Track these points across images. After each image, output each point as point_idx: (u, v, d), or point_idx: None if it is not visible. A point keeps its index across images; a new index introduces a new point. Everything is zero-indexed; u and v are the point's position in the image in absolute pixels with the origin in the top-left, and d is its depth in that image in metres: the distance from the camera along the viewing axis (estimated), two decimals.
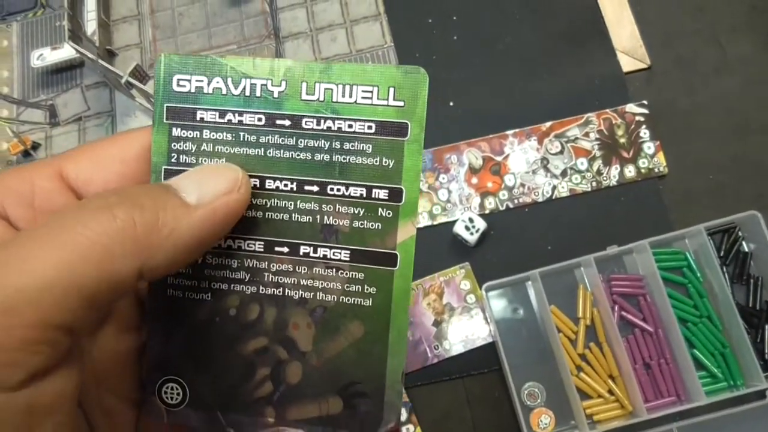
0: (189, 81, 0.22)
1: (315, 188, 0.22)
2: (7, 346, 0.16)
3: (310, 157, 0.21)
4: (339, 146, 0.21)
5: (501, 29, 0.77)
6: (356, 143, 0.21)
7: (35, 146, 0.78)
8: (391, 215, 0.21)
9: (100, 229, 0.17)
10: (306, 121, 0.21)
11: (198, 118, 0.22)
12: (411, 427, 0.65)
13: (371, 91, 0.21)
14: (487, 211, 0.70)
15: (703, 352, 0.63)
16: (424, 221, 0.71)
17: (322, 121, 0.21)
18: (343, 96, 0.21)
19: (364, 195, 0.21)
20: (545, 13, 0.77)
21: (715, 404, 0.60)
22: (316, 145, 0.21)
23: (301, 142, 0.21)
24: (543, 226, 0.70)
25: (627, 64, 0.74)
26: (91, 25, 0.78)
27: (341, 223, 0.22)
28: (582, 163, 0.71)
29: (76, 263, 0.16)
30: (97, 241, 0.17)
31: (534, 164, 0.72)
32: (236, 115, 0.22)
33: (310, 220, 0.22)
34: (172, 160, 0.22)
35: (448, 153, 0.72)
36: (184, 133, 0.22)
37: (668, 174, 0.70)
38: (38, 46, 0.82)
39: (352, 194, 0.21)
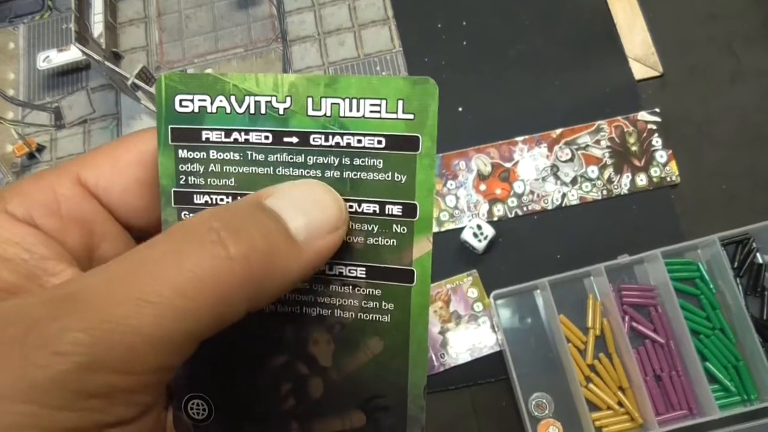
0: (192, 101, 0.21)
1: None
2: (132, 388, 0.16)
3: (320, 174, 0.21)
4: (349, 162, 0.21)
5: (511, 35, 0.76)
6: (366, 159, 0.21)
7: (40, 148, 0.77)
8: (405, 231, 0.21)
9: (218, 272, 0.16)
10: (314, 138, 0.21)
11: (203, 139, 0.21)
12: None
13: (379, 105, 0.20)
14: (495, 218, 0.69)
15: (716, 365, 0.62)
16: None
17: (331, 137, 0.21)
18: (351, 110, 0.20)
19: (377, 211, 0.21)
20: (556, 19, 0.76)
21: (728, 418, 0.59)
22: (325, 161, 0.21)
23: (310, 159, 0.21)
24: (552, 234, 0.69)
25: (639, 71, 0.73)
26: (97, 28, 0.77)
27: (355, 240, 0.21)
28: (593, 170, 0.70)
29: (195, 309, 0.16)
30: (215, 286, 0.16)
31: (544, 171, 0.71)
32: (242, 133, 0.21)
33: None
34: (181, 182, 0.22)
35: (456, 159, 0.72)
36: (190, 155, 0.21)
37: (680, 183, 0.69)
38: (44, 48, 0.82)
39: (364, 211, 0.21)
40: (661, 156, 0.70)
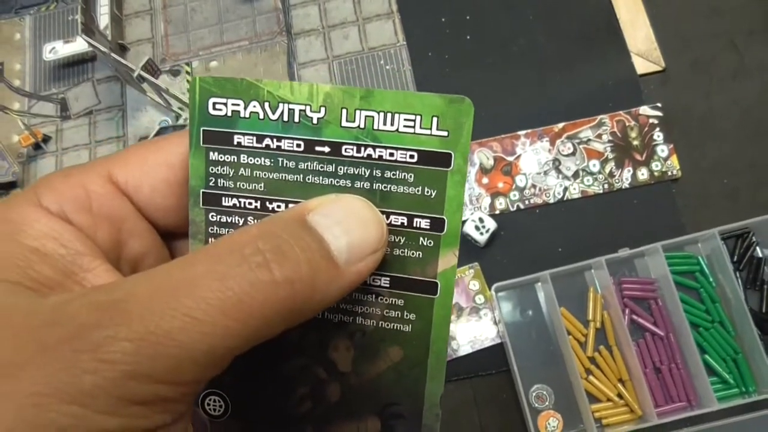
0: (225, 105, 0.21)
1: None
2: (172, 398, 0.16)
3: (350, 185, 0.21)
4: (380, 174, 0.21)
5: (514, 29, 0.77)
6: (397, 172, 0.21)
7: (46, 139, 0.78)
8: (432, 245, 0.21)
9: (262, 295, 0.17)
10: (346, 149, 0.21)
11: (235, 143, 0.21)
12: None
13: (414, 120, 0.20)
14: (497, 212, 0.70)
15: (715, 358, 0.63)
16: None
17: (363, 148, 0.21)
18: (385, 124, 0.21)
19: (405, 224, 0.21)
20: (559, 14, 0.77)
21: (727, 410, 0.59)
22: (356, 172, 0.21)
23: (340, 169, 0.21)
24: (554, 228, 0.69)
25: (641, 66, 0.74)
26: (103, 20, 0.78)
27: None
28: (594, 164, 0.70)
29: (237, 329, 0.17)
30: (258, 308, 0.17)
31: (546, 165, 0.71)
32: (275, 140, 0.21)
33: None
34: (210, 183, 0.22)
35: None
36: (221, 158, 0.22)
37: (682, 177, 0.70)
38: (50, 40, 0.82)
39: (392, 222, 0.21)
40: (663, 150, 0.70)
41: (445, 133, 0.20)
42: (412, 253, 0.21)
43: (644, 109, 0.72)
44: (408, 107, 0.20)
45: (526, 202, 0.70)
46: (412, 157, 0.21)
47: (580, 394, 0.62)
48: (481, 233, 0.67)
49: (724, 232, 0.64)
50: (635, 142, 0.71)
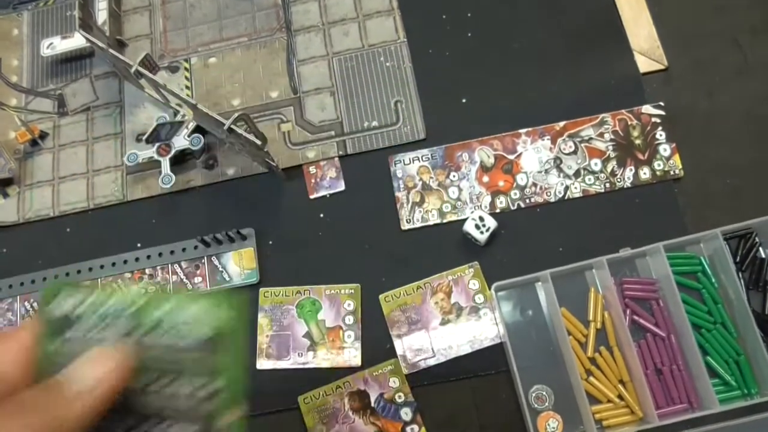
0: (64, 304, 0.29)
1: (157, 388, 0.29)
2: None
3: (154, 364, 0.28)
4: (175, 355, 0.28)
5: (516, 27, 0.76)
6: (189, 351, 0.28)
7: (43, 135, 0.77)
8: (219, 403, 0.28)
9: None
10: (150, 336, 0.28)
11: (70, 334, 0.29)
12: (416, 427, 0.64)
13: (201, 313, 0.28)
14: (498, 210, 0.69)
15: (717, 360, 0.62)
16: (433, 219, 0.69)
17: (163, 336, 0.28)
18: (179, 318, 0.28)
19: (197, 389, 0.28)
20: (561, 11, 0.76)
21: (729, 412, 0.59)
22: (157, 354, 0.28)
23: (147, 351, 0.28)
24: (555, 227, 0.69)
25: (644, 64, 0.73)
26: (101, 15, 0.78)
27: (180, 411, 0.28)
28: (596, 163, 0.70)
29: None
30: None
31: (547, 164, 0.70)
32: (98, 331, 0.28)
33: (157, 411, 0.29)
34: (51, 366, 0.28)
35: (459, 150, 0.71)
36: (60, 346, 0.28)
37: (684, 177, 0.69)
38: (48, 35, 0.82)
39: (187, 390, 0.28)
40: (665, 149, 0.70)
41: (225, 319, 0.28)
42: (204, 414, 0.28)
43: (647, 108, 0.71)
44: (197, 303, 0.28)
45: (527, 200, 0.69)
46: (199, 340, 0.28)
47: (581, 395, 0.61)
48: (482, 232, 0.67)
49: (726, 233, 0.64)
50: (637, 141, 0.70)
